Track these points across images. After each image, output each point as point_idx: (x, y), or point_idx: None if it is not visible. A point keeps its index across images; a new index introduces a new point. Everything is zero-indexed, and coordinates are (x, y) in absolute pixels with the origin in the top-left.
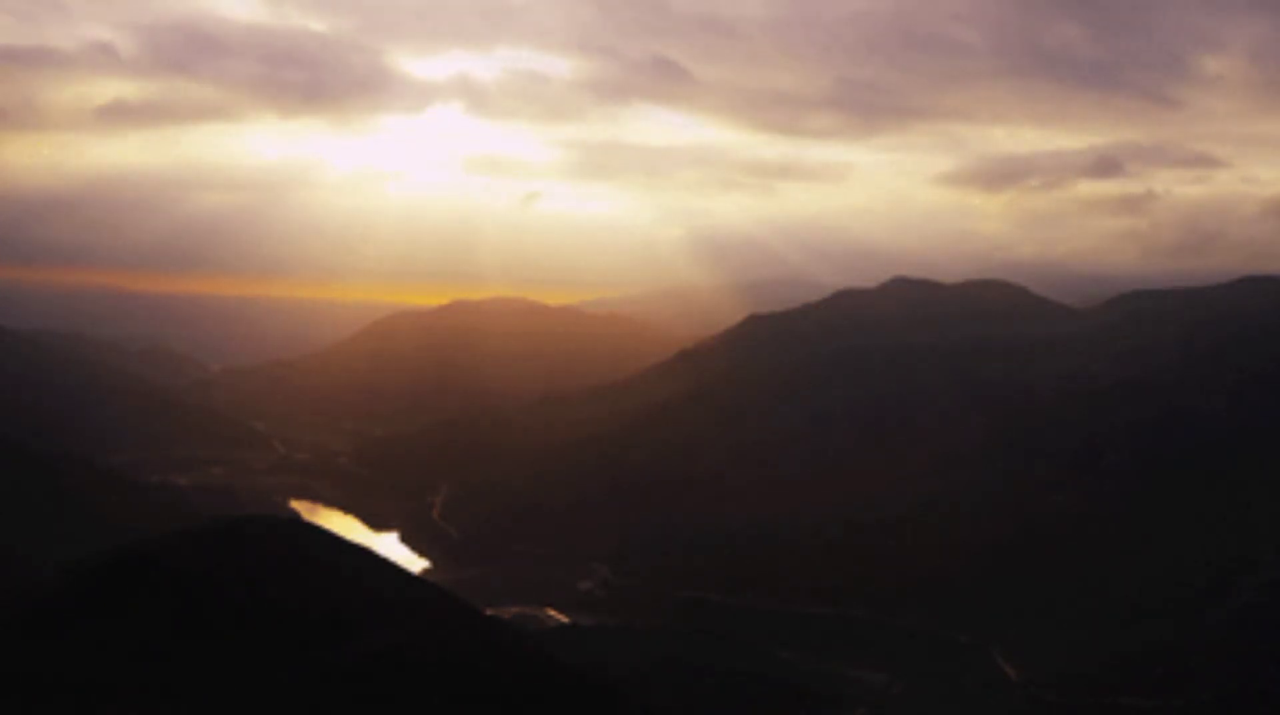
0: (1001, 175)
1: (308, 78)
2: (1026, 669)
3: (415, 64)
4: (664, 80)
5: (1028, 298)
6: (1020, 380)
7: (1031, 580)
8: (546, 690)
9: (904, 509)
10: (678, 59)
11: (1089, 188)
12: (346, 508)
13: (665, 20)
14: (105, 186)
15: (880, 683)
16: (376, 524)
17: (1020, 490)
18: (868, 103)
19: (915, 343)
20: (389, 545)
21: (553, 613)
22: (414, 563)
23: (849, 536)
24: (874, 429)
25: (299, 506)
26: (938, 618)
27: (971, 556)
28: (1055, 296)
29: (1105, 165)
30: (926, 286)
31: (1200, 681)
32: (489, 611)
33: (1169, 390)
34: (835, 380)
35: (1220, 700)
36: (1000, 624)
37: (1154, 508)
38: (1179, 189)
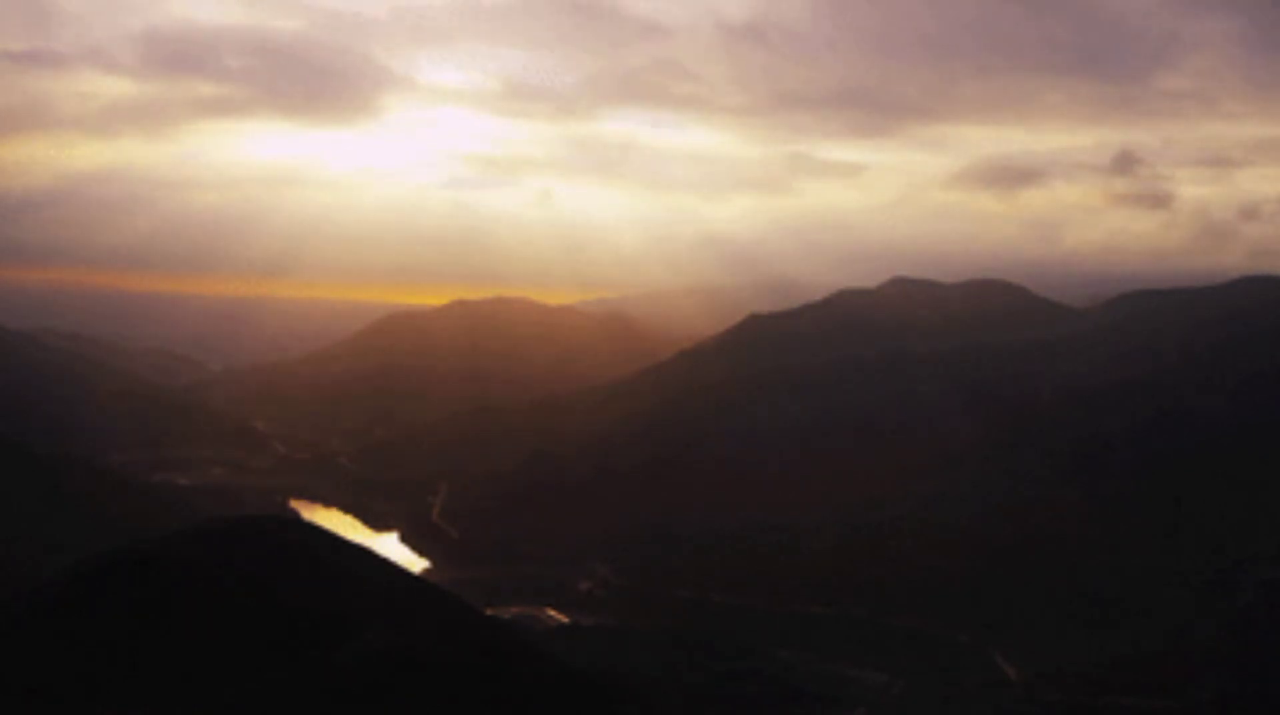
0: (1009, 176)
1: (309, 77)
2: (1026, 669)
3: (417, 62)
4: (668, 81)
5: (1028, 298)
6: (1020, 380)
7: (1032, 580)
8: (546, 690)
9: (903, 509)
10: (681, 59)
11: (1097, 187)
12: (346, 508)
13: (671, 21)
14: (105, 186)
15: (880, 683)
16: (376, 524)
17: (1020, 490)
18: (875, 103)
19: (915, 342)
20: (389, 545)
21: (553, 613)
22: (414, 563)
23: (849, 536)
24: (874, 429)
25: (299, 506)
26: (938, 618)
27: (971, 556)
28: (1056, 297)
29: (1116, 164)
30: (926, 286)
31: (1200, 681)
32: (489, 611)
33: (1169, 390)
34: (835, 380)
35: (1220, 700)
36: (1000, 624)
37: (1154, 508)
38: (1192, 188)
